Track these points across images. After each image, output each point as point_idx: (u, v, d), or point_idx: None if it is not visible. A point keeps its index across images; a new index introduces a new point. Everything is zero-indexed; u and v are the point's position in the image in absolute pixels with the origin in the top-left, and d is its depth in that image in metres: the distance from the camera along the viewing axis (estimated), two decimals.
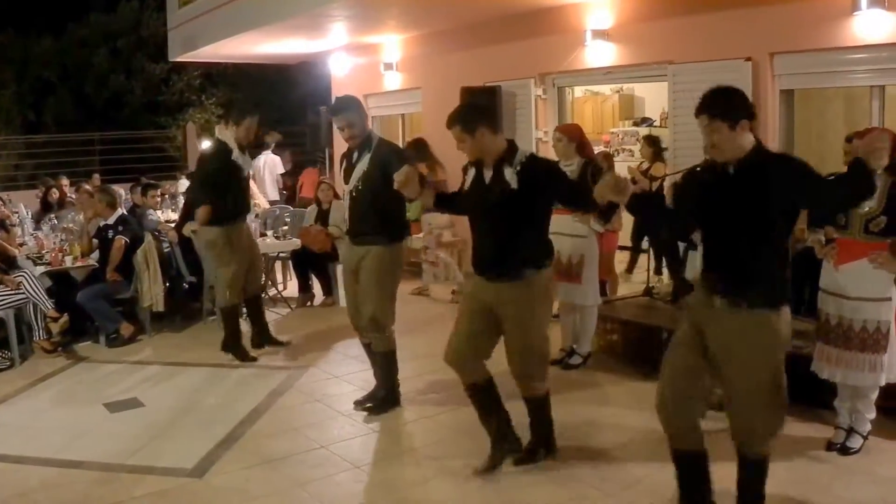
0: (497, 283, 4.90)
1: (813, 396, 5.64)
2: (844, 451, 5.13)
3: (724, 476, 4.20)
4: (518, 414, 5.18)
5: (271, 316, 9.23)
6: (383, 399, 6.28)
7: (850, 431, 5.20)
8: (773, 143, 7.93)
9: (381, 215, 5.91)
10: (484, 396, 5.11)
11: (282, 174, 14.48)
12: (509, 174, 4.79)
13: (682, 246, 7.42)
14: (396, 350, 6.27)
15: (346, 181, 6.06)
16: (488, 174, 4.90)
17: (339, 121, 6.01)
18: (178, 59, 16.00)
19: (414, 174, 5.04)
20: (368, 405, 6.27)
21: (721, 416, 5.75)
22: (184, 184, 14.84)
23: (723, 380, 4.04)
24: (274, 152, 13.39)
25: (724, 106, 3.83)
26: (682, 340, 4.15)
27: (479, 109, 5.14)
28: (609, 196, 4.20)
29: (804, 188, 3.78)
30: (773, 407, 3.97)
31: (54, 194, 13.27)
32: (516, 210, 4.79)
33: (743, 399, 3.97)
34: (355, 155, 6.02)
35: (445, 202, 5.37)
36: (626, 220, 8.46)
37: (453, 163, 5.59)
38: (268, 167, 13.98)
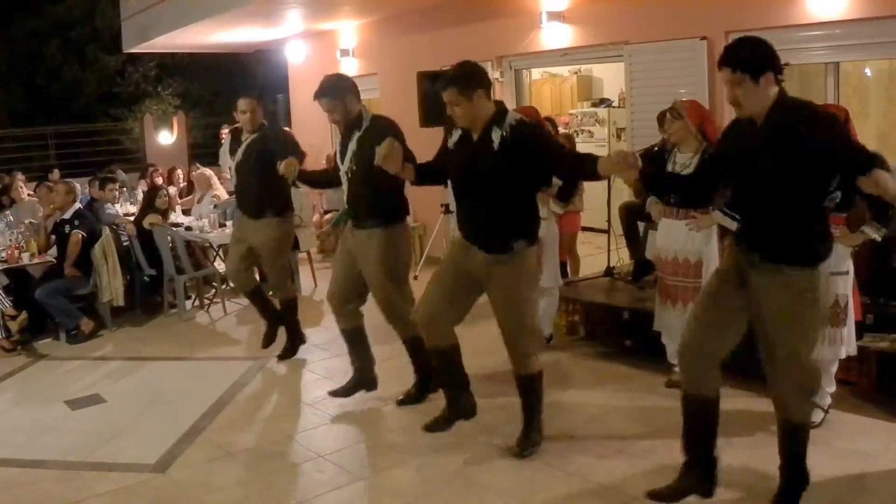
0: (486, 255, 4.76)
1: None
2: None
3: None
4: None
5: (233, 307, 9.19)
6: (427, 384, 6.00)
7: None
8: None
9: (375, 196, 5.60)
10: (446, 361, 5.16)
11: None
12: (496, 137, 4.59)
13: (641, 226, 7.44)
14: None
15: (341, 163, 5.74)
16: (476, 136, 4.70)
17: (322, 105, 5.71)
18: (133, 51, 15.87)
19: (397, 148, 4.88)
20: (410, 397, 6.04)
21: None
22: (120, 175, 14.63)
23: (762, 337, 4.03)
24: None
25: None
26: (711, 291, 4.16)
27: (476, 71, 4.77)
28: (616, 171, 4.19)
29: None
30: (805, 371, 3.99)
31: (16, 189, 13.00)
32: (505, 176, 4.59)
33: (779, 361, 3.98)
34: (347, 135, 5.72)
35: (429, 175, 5.13)
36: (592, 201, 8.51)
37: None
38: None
